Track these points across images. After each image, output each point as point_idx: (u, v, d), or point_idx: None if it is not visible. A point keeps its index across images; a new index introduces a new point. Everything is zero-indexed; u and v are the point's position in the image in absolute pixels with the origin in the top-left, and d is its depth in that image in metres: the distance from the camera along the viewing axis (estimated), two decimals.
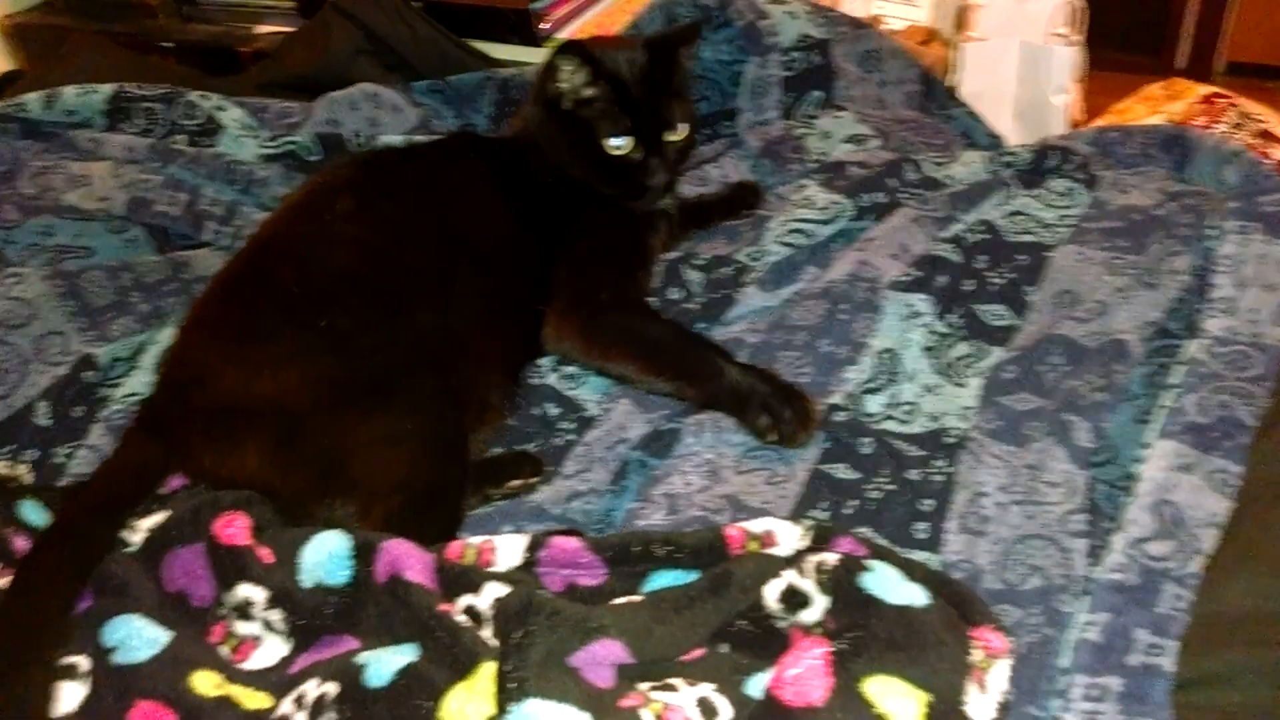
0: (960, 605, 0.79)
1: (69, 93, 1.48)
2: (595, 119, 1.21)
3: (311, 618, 0.89)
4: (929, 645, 0.75)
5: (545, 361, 1.20)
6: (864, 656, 0.74)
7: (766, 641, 0.79)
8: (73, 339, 1.19)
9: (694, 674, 0.79)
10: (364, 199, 1.15)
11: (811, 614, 0.79)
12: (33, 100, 1.48)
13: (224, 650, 0.90)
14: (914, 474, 1.01)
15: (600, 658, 0.79)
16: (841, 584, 0.78)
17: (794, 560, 0.84)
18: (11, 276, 1.20)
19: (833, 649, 0.74)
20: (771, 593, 0.80)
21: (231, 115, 1.49)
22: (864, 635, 0.75)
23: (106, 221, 1.32)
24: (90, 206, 1.32)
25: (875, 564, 0.81)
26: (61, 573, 0.89)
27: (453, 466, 1.04)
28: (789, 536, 0.89)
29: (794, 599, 0.80)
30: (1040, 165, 1.34)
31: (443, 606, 0.83)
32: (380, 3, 1.67)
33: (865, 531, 0.96)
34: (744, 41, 1.53)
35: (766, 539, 0.89)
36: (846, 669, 0.73)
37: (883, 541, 0.92)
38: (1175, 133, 1.37)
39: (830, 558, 0.81)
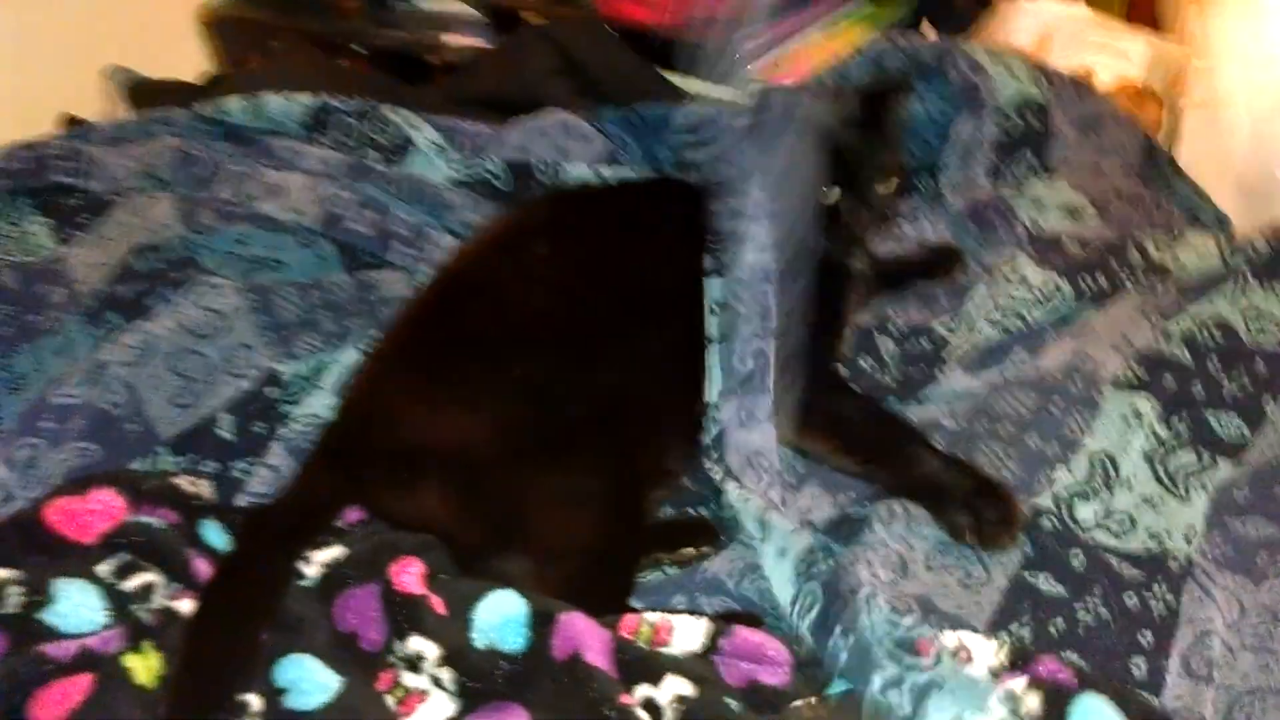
0: None
1: (272, 100, 1.50)
2: None
3: (482, 680, 0.86)
4: None
5: None
6: None
7: None
8: (260, 353, 1.19)
9: None
10: (560, 242, 1.12)
11: None
12: (235, 105, 1.50)
13: (390, 700, 0.88)
14: (1130, 598, 0.93)
15: None
16: None
17: (995, 682, 0.78)
18: (206, 286, 1.21)
19: None
20: None
21: (424, 135, 1.49)
22: None
23: (298, 234, 1.33)
24: (284, 218, 1.33)
25: (1087, 699, 0.74)
26: (249, 605, 0.88)
27: (632, 532, 1.01)
28: (984, 653, 0.83)
29: None
30: (1278, 257, 1.23)
31: (624, 699, 0.79)
32: (580, 26, 1.65)
33: (1072, 658, 0.88)
34: (959, 98, 1.45)
35: (961, 654, 0.83)
36: None
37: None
38: None
39: (1035, 700, 0.73)
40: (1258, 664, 0.87)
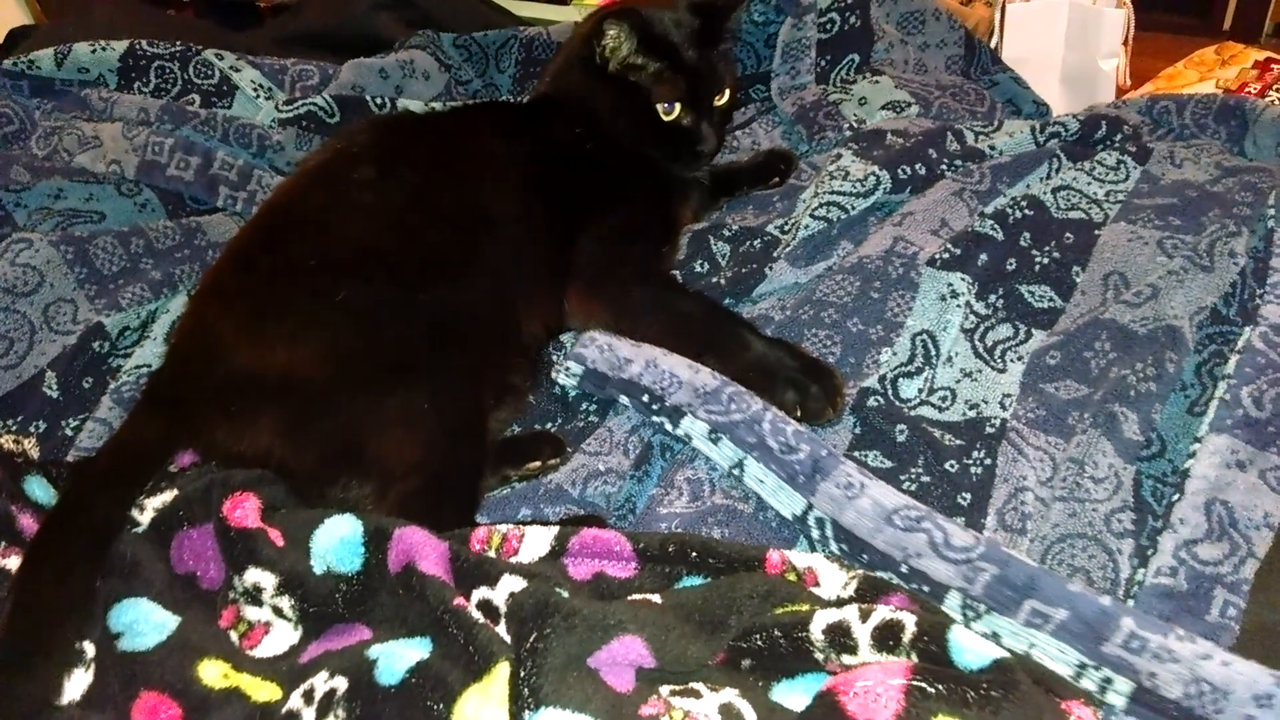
0: (1046, 683, 0.74)
1: (81, 49, 1.44)
2: (649, 84, 1.18)
3: (322, 605, 0.86)
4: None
5: (567, 339, 1.16)
6: (943, 699, 0.68)
7: (794, 658, 0.75)
8: (82, 307, 1.16)
9: (717, 679, 0.75)
10: (384, 168, 1.10)
11: (852, 661, 0.74)
12: (44, 57, 1.44)
13: (233, 635, 0.87)
14: (951, 465, 0.96)
15: (620, 656, 0.75)
16: (928, 650, 0.73)
17: (842, 604, 0.79)
18: (20, 242, 1.16)
19: (912, 681, 0.69)
20: (819, 623, 0.75)
21: (247, 76, 1.45)
22: (950, 685, 0.69)
23: (118, 184, 1.28)
24: (101, 169, 1.28)
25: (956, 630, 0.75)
26: (77, 554, 0.86)
27: (471, 449, 1.00)
28: (832, 581, 0.83)
29: (841, 640, 0.74)
30: (1089, 136, 1.28)
31: (458, 601, 0.79)
32: None
33: None
34: (779, 0, 1.46)
35: (807, 575, 0.84)
36: (921, 704, 0.67)
37: None
38: (1233, 103, 1.30)
39: (909, 622, 0.73)
40: (1066, 511, 0.91)
